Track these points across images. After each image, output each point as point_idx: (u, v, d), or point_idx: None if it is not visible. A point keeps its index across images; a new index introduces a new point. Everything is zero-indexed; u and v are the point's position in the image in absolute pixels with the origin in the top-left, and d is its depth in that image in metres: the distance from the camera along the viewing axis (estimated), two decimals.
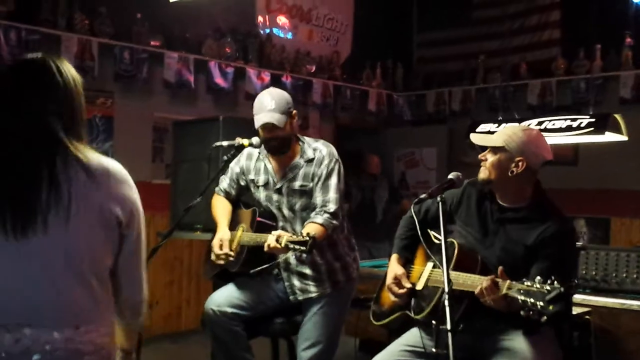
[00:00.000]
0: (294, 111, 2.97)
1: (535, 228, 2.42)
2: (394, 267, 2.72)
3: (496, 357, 2.41)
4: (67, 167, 1.57)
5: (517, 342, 2.41)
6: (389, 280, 2.68)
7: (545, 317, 1.94)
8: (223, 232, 3.01)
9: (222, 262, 2.95)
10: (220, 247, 2.94)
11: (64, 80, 1.66)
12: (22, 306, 1.52)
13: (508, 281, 2.14)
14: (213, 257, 2.99)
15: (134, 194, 1.69)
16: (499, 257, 2.44)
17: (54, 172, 1.55)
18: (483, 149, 2.56)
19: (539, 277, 2.01)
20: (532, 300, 1.97)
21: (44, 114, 1.61)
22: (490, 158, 2.49)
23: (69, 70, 1.70)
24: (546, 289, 1.96)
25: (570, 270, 2.54)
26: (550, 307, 1.92)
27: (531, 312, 1.97)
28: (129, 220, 1.66)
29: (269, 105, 2.88)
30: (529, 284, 2.02)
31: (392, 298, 2.69)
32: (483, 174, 2.51)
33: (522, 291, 2.03)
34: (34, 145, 1.58)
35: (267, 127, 2.89)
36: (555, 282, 1.96)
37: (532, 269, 2.34)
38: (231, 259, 2.93)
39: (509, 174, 2.44)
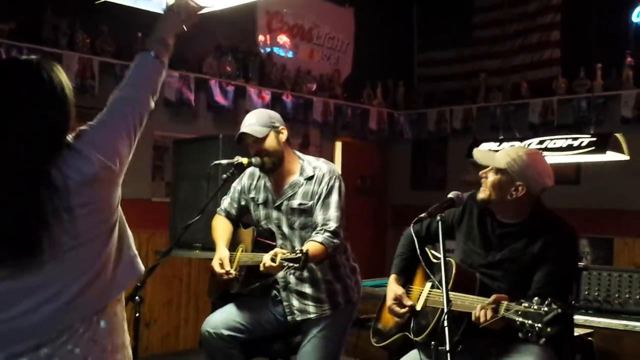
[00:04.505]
0: (282, 127, 2.97)
1: (539, 236, 2.44)
2: (393, 287, 2.70)
3: None
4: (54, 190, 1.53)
5: None
6: (389, 301, 2.66)
7: (543, 339, 1.94)
8: (222, 252, 3.00)
9: (224, 279, 2.93)
10: (221, 266, 2.93)
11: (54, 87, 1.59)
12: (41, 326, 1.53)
13: (505, 303, 2.13)
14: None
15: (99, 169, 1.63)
16: (504, 269, 2.45)
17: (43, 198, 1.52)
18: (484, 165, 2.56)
19: (536, 298, 2.01)
20: (530, 322, 1.97)
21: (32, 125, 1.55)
22: (491, 177, 2.50)
23: (62, 77, 1.64)
24: (544, 310, 1.95)
25: (571, 274, 2.56)
26: (549, 329, 1.92)
27: (529, 334, 1.97)
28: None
29: (249, 121, 2.93)
30: (526, 305, 2.02)
31: (395, 318, 2.67)
32: (483, 193, 2.53)
33: (519, 312, 2.02)
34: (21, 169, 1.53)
35: (248, 141, 2.93)
36: (553, 304, 1.96)
37: (535, 276, 2.36)
38: (231, 276, 2.91)
39: (508, 196, 2.45)
